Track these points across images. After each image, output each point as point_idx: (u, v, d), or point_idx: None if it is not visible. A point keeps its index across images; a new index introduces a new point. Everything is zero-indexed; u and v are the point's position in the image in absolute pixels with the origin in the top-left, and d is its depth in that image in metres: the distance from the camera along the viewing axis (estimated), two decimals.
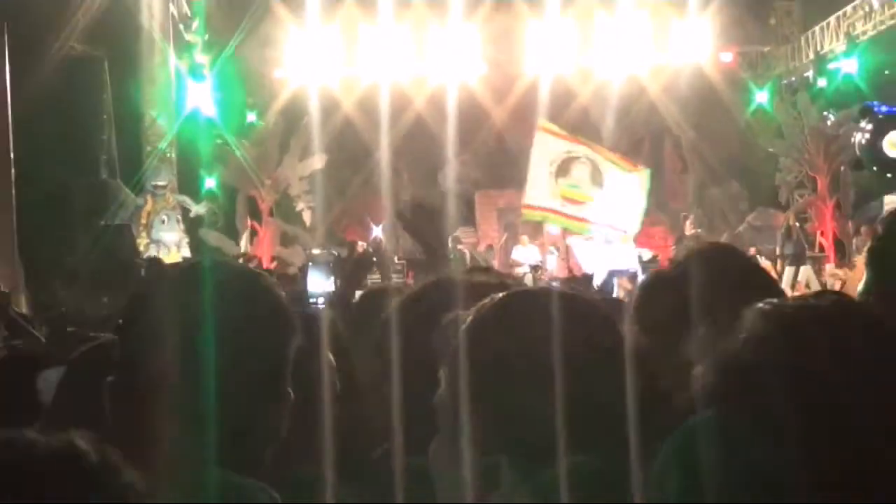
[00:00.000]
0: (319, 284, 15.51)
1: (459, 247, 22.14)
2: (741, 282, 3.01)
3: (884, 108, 21.30)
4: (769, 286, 3.16)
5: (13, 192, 20.58)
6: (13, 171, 20.70)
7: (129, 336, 2.43)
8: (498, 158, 24.87)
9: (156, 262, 18.26)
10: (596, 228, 21.64)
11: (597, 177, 21.60)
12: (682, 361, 2.57)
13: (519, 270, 21.45)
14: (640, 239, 23.70)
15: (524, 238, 23.31)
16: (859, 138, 21.16)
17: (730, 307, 2.24)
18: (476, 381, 2.21)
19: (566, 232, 22.58)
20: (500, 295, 2.40)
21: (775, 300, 2.15)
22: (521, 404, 2.17)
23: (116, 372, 2.44)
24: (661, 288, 3.14)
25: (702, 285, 2.88)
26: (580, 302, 2.39)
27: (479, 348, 2.25)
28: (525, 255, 22.87)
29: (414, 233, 23.51)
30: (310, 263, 18.92)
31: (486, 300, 2.35)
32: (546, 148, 21.34)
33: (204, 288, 2.39)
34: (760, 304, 2.10)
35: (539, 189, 21.31)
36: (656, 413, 2.23)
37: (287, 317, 2.43)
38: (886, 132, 20.57)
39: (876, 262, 3.21)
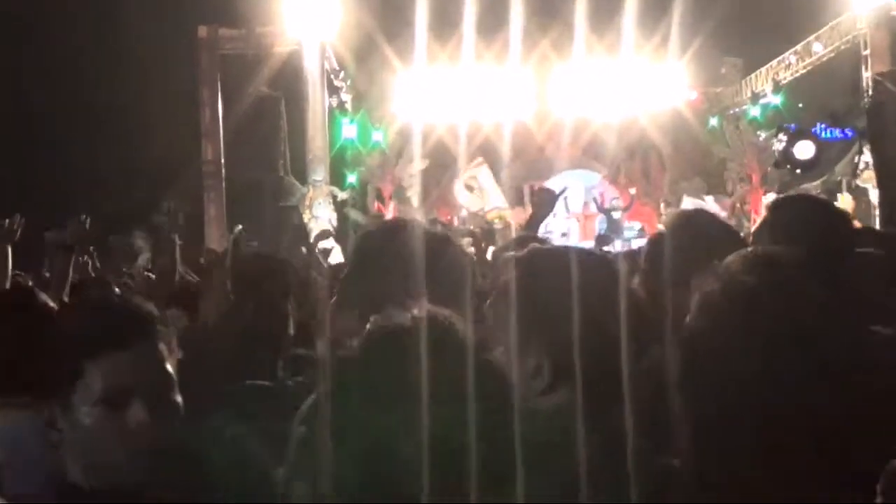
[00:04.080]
0: None
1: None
2: (720, 237, 2.74)
3: (793, 126, 21.37)
4: (737, 240, 2.88)
5: (223, 185, 21.54)
6: (223, 171, 21.55)
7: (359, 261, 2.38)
8: (540, 164, 24.94)
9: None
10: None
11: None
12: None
13: (550, 236, 21.74)
14: (634, 215, 24.08)
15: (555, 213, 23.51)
16: (777, 146, 21.21)
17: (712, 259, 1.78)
18: (520, 303, 1.95)
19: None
20: (536, 246, 2.21)
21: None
22: (551, 319, 1.88)
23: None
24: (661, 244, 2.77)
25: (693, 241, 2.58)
26: (589, 254, 2.13)
27: (522, 280, 1.99)
28: (556, 225, 22.88)
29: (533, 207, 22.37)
30: None
31: (532, 250, 2.10)
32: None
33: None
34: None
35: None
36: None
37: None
38: (796, 142, 20.64)
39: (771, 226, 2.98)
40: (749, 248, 1.68)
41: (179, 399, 1.98)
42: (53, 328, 2.05)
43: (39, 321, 2.68)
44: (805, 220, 2.99)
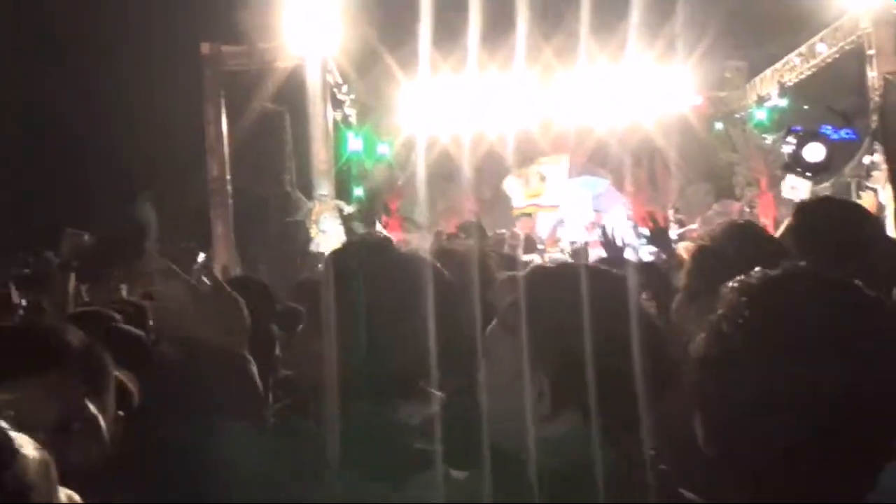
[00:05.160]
0: None
1: (515, 230, 21.49)
2: (769, 249, 2.67)
3: (801, 129, 21.11)
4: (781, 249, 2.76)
5: (230, 201, 21.49)
6: (230, 187, 21.51)
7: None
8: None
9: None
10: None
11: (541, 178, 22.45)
12: None
13: (561, 244, 21.39)
14: (642, 222, 23.93)
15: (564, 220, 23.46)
16: (787, 149, 21.00)
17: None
18: (531, 327, 1.86)
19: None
20: (546, 265, 2.19)
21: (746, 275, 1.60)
22: (552, 340, 1.79)
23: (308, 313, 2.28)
24: (706, 257, 2.68)
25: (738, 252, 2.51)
26: (601, 273, 1.99)
27: (531, 301, 1.90)
28: (566, 234, 22.52)
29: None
30: None
31: (533, 268, 2.12)
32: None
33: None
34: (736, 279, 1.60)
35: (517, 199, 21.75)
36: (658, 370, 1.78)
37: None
38: (805, 145, 20.40)
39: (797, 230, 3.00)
40: (787, 265, 1.59)
41: (104, 434, 1.81)
42: None
43: None
44: (832, 224, 3.00)
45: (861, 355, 1.43)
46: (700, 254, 2.77)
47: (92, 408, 1.82)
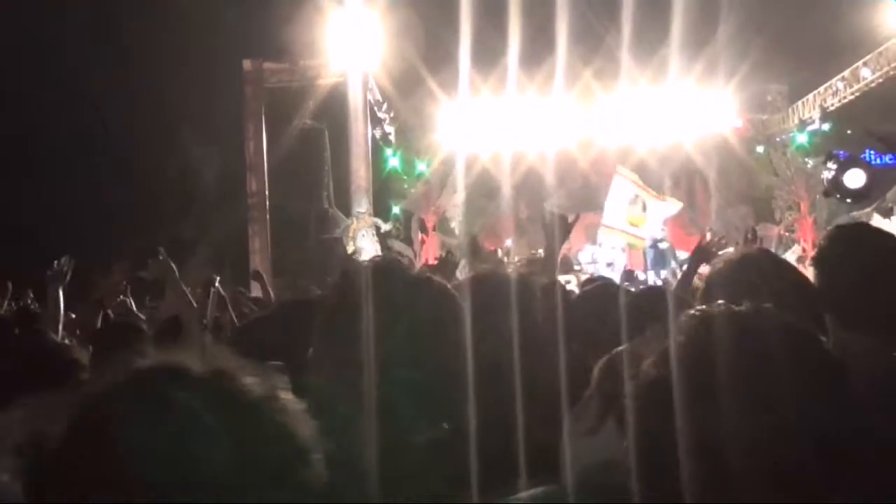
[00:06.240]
0: None
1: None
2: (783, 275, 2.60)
3: (842, 154, 20.93)
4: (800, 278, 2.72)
5: (268, 217, 21.64)
6: (268, 203, 21.66)
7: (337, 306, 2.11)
8: (584, 192, 24.31)
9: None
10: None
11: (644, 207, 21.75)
12: None
13: (596, 266, 21.33)
14: (679, 244, 23.79)
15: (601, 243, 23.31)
16: (827, 175, 20.80)
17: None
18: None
19: (630, 247, 21.81)
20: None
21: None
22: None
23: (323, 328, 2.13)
24: (720, 283, 2.58)
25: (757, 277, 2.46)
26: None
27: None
28: (602, 255, 22.26)
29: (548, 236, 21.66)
30: None
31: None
32: (621, 188, 21.29)
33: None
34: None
35: (615, 215, 21.45)
36: None
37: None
38: (846, 171, 20.19)
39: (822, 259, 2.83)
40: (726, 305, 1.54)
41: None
42: None
43: None
44: (863, 252, 2.83)
45: (797, 407, 1.38)
46: (714, 279, 2.67)
47: None
